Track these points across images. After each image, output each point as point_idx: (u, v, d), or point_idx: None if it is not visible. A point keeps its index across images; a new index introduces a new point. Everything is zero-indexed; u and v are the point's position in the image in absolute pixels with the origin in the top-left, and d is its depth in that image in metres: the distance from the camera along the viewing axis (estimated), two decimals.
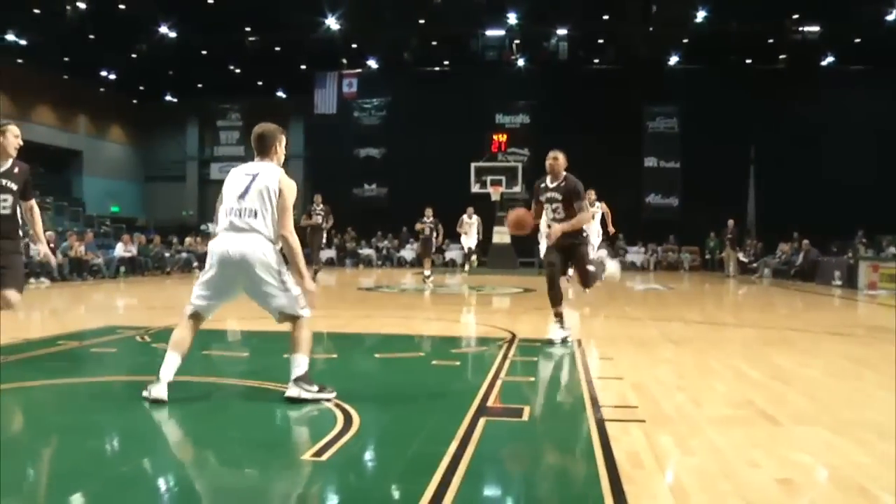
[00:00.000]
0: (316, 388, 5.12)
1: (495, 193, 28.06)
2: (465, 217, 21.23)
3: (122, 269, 22.42)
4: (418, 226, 19.85)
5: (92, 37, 30.95)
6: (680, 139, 33.61)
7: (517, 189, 28.53)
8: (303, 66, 35.25)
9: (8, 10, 28.13)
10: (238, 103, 38.02)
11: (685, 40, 31.51)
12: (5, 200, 6.08)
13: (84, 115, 37.67)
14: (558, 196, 8.14)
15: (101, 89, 37.90)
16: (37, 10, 28.57)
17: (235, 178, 5.24)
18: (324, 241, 19.03)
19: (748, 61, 32.33)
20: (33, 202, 6.53)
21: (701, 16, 28.33)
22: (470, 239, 21.25)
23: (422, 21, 30.66)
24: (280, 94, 38.47)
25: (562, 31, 31.56)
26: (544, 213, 8.34)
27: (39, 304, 13.44)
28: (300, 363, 5.14)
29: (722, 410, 5.03)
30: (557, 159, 8.20)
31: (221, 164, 38.26)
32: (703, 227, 29.84)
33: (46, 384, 5.66)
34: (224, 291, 5.20)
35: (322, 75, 35.77)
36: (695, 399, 5.34)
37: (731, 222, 25.27)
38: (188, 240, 27.75)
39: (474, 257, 21.75)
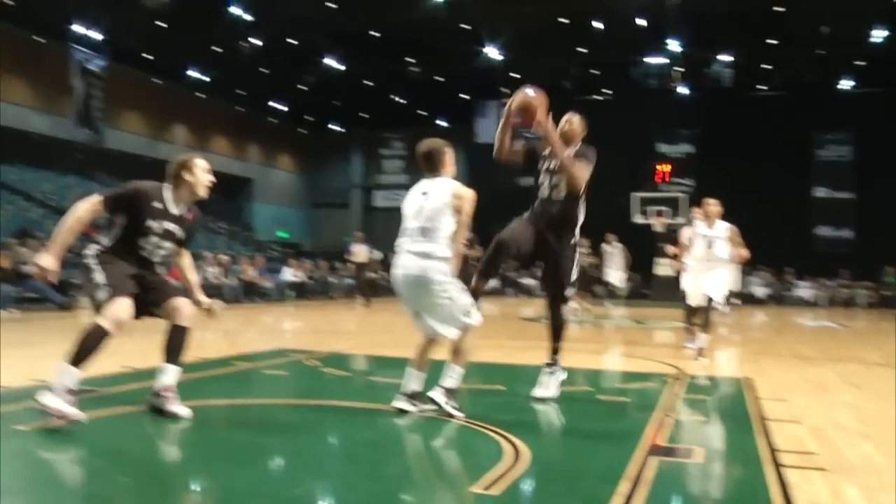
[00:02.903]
0: (458, 405, 5.14)
1: (658, 224, 27.38)
2: (605, 246, 19.50)
3: (290, 292, 23.21)
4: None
5: (264, 70, 32.53)
6: (855, 168, 31.85)
7: (681, 220, 27.81)
8: (464, 96, 35.74)
9: (189, 48, 29.98)
10: (401, 132, 38.89)
11: (859, 62, 30.01)
12: (164, 249, 5.08)
13: (255, 145, 39.47)
14: (563, 181, 6.20)
15: (272, 120, 39.66)
16: (215, 48, 30.25)
17: (411, 198, 5.28)
18: (472, 269, 18.86)
19: None
20: (187, 252, 5.42)
21: (878, 35, 26.90)
22: (613, 270, 19.59)
23: (582, 49, 30.51)
24: (442, 123, 39.11)
25: (725, 57, 30.71)
26: (540, 187, 6.28)
27: (213, 324, 14.02)
28: (455, 375, 5.15)
29: None
30: (572, 123, 6.40)
31: (385, 191, 39.28)
32: (881, 261, 28.09)
33: (222, 403, 5.85)
34: (418, 308, 5.24)
35: (483, 104, 36.11)
36: (883, 449, 4.96)
37: None
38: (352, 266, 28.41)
39: (621, 286, 20.69)
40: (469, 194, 5.18)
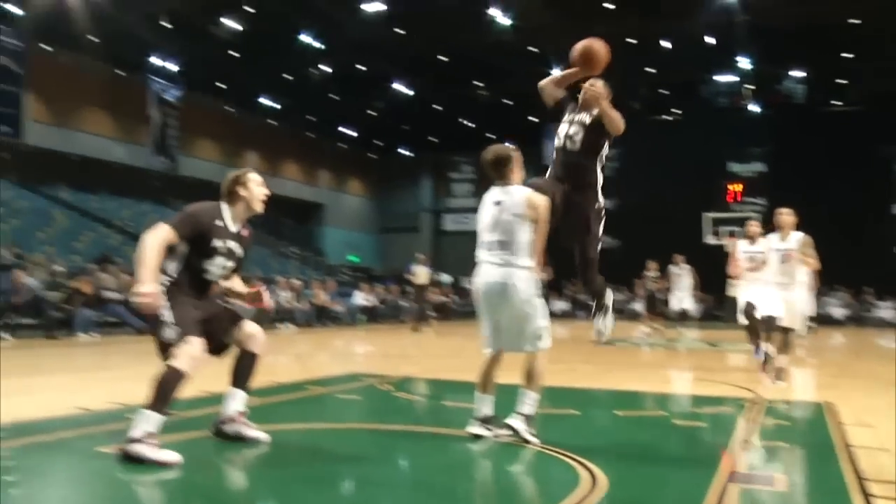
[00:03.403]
0: (535, 432, 5.07)
1: (731, 245, 26.75)
2: (672, 268, 18.57)
3: (361, 316, 23.36)
4: (641, 281, 19.22)
5: (333, 97, 33.01)
6: None
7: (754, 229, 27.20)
8: (531, 118, 35.70)
9: (261, 76, 30.60)
10: (469, 156, 38.92)
11: None
12: (226, 270, 4.94)
13: (326, 170, 39.98)
14: (586, 120, 5.67)
15: (342, 145, 40.16)
16: (286, 76, 30.83)
17: (485, 209, 5.20)
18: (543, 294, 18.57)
19: None
20: (237, 276, 5.23)
21: None
22: (680, 293, 18.46)
23: (650, 69, 30.26)
24: (510, 145, 39.02)
25: (797, 73, 30.12)
26: (557, 136, 5.83)
27: (286, 348, 14.19)
28: (531, 401, 5.07)
29: None
30: (596, 86, 5.72)
31: (454, 215, 39.42)
32: None
33: (296, 428, 5.87)
34: (498, 323, 5.17)
35: (551, 126, 35.90)
36: None
37: None
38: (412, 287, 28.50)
39: (689, 308, 19.78)
40: (543, 202, 5.07)
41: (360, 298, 23.98)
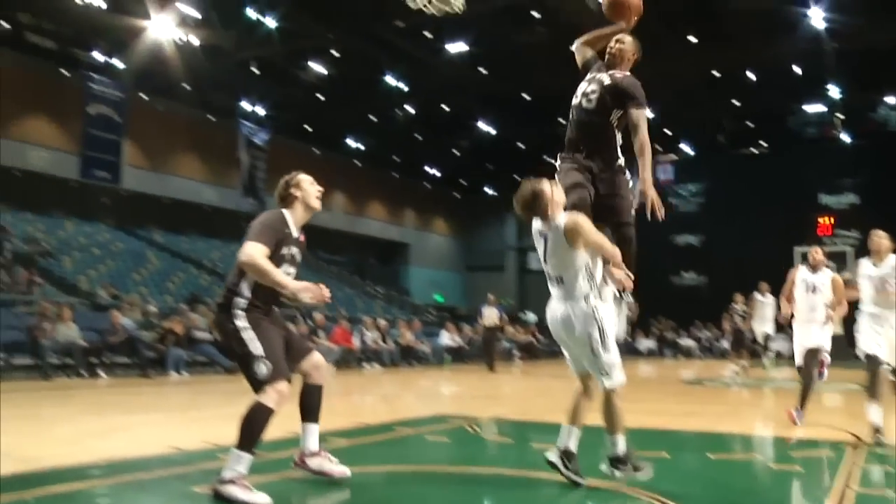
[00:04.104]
0: (631, 465, 4.89)
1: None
2: (756, 295, 17.53)
3: (447, 356, 23.28)
4: (728, 314, 18.77)
5: (418, 137, 33.34)
6: None
7: (847, 275, 26.30)
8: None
9: (346, 118, 31.13)
10: None
11: None
12: (290, 276, 4.83)
13: (411, 210, 40.28)
14: (605, 80, 5.39)
15: (426, 185, 40.45)
16: (371, 117, 31.29)
17: (536, 241, 5.07)
18: (629, 333, 18.15)
19: None
20: None
21: None
22: (765, 323, 17.37)
23: (735, 101, 29.75)
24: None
25: (891, 99, 29.20)
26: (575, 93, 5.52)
27: (372, 389, 14.19)
28: (618, 442, 4.90)
29: None
30: (623, 42, 5.55)
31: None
32: None
33: (384, 470, 5.79)
34: (571, 350, 5.02)
35: (633, 162, 35.55)
36: None
37: None
38: (509, 329, 28.30)
39: (773, 346, 19.21)
40: (577, 222, 4.71)
41: (446, 338, 23.91)
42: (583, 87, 5.43)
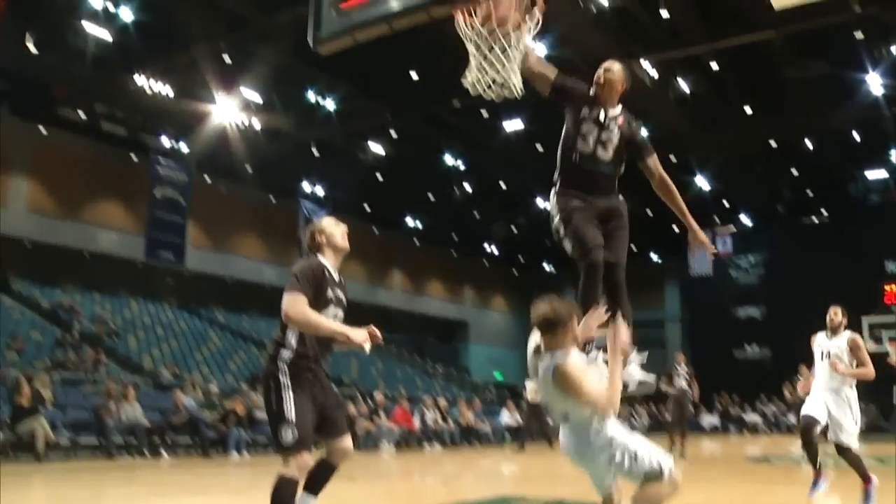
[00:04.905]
0: None
1: (895, 352, 25.13)
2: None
3: (508, 435, 22.95)
4: (792, 386, 18.29)
5: (476, 215, 33.54)
6: None
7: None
8: (674, 228, 35.16)
9: (405, 196, 31.51)
10: None
11: None
12: (338, 318, 4.78)
13: (469, 287, 40.29)
14: (613, 139, 4.86)
15: (485, 262, 40.51)
16: (429, 195, 31.63)
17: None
18: (690, 409, 17.51)
19: None
20: None
21: None
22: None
23: (794, 171, 29.45)
24: (653, 257, 38.55)
25: None
26: (579, 138, 4.89)
27: (432, 469, 14.01)
28: None
29: None
30: (614, 72, 4.88)
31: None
32: None
33: None
34: (595, 477, 4.27)
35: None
36: None
37: None
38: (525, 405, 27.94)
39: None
40: (570, 372, 3.95)
41: (507, 417, 23.60)
42: (591, 131, 4.85)
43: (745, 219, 34.64)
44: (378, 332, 4.64)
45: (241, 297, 29.88)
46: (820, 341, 7.98)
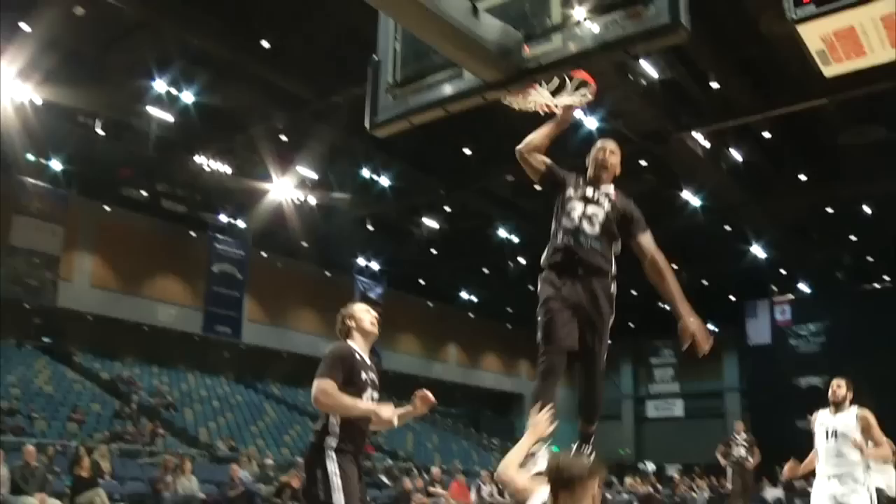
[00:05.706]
0: None
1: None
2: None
3: None
4: None
5: (531, 288, 33.40)
6: None
7: None
8: (732, 297, 34.70)
9: (460, 270, 31.64)
10: (670, 339, 38.01)
11: None
12: (375, 401, 4.74)
13: (525, 360, 39.92)
14: (601, 213, 4.87)
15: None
16: (484, 269, 31.73)
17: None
18: (751, 478, 16.93)
19: None
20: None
21: None
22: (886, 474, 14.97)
23: (853, 237, 28.99)
24: (711, 327, 37.93)
25: None
26: (566, 214, 4.96)
27: None
28: None
29: None
30: (611, 152, 4.98)
31: (656, 401, 38.23)
32: None
33: None
34: None
35: (752, 304, 34.73)
36: None
37: None
38: (627, 480, 27.37)
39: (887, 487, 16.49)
40: None
41: None
42: (576, 207, 4.86)
43: (803, 287, 34.05)
44: (430, 395, 4.71)
45: (296, 371, 29.98)
46: (822, 419, 7.03)
